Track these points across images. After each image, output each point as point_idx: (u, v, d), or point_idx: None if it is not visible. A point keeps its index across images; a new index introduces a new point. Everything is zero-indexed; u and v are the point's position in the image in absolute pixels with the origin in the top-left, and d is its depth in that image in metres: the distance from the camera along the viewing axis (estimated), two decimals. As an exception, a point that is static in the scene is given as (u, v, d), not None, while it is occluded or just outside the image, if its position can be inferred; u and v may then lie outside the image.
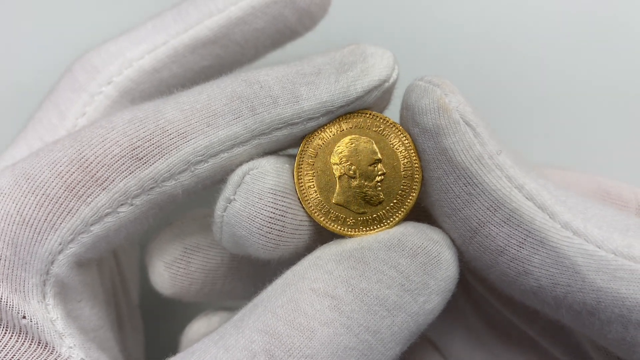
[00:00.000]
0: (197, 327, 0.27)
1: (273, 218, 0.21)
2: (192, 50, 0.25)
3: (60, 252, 0.21)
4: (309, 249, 0.22)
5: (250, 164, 0.21)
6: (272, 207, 0.21)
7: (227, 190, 0.21)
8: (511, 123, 0.36)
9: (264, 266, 0.25)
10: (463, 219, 0.21)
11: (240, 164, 0.22)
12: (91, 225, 0.21)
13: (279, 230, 0.21)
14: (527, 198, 0.20)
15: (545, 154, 0.35)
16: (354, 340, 0.19)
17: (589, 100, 0.36)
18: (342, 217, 0.22)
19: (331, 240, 0.22)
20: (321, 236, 0.23)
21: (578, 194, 0.21)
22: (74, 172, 0.20)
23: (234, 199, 0.21)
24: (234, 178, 0.21)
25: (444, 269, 0.20)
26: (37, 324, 0.20)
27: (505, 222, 0.20)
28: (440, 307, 0.21)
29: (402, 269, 0.20)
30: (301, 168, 0.22)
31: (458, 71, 0.35)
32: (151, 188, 0.21)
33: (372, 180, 0.22)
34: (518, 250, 0.20)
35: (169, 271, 0.25)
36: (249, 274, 0.27)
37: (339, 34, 0.32)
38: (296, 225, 0.22)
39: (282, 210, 0.21)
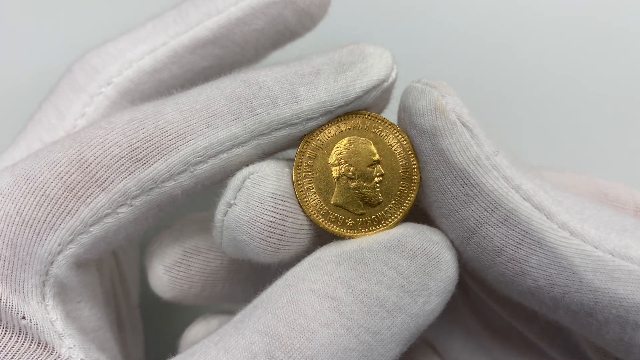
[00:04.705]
0: (196, 331, 0.27)
1: (273, 222, 0.21)
2: (191, 51, 0.25)
3: (59, 252, 0.21)
4: (309, 252, 0.22)
5: (251, 168, 0.21)
6: (272, 212, 0.21)
7: (228, 195, 0.21)
8: (509, 124, 0.36)
9: (263, 270, 0.25)
10: (460, 219, 0.21)
11: (240, 164, 0.22)
12: (90, 225, 0.21)
13: (279, 235, 0.21)
14: (524, 198, 0.20)
15: (544, 156, 0.35)
16: (354, 341, 0.19)
17: (587, 102, 0.36)
18: (341, 218, 0.22)
19: (331, 242, 0.22)
20: (321, 240, 0.23)
21: (575, 194, 0.22)
22: (73, 173, 0.20)
23: (235, 204, 0.21)
24: (234, 182, 0.21)
25: (444, 270, 0.20)
26: (36, 324, 0.20)
27: (502, 223, 0.20)
28: (440, 308, 0.21)
29: (401, 270, 0.20)
30: (300, 169, 0.22)
31: (457, 72, 0.35)
32: (150, 189, 0.21)
33: (371, 181, 0.22)
34: (515, 251, 0.20)
35: (168, 275, 0.25)
36: (249, 278, 0.27)
37: (339, 35, 0.32)
38: (296, 229, 0.22)
39: (283, 214, 0.21)
